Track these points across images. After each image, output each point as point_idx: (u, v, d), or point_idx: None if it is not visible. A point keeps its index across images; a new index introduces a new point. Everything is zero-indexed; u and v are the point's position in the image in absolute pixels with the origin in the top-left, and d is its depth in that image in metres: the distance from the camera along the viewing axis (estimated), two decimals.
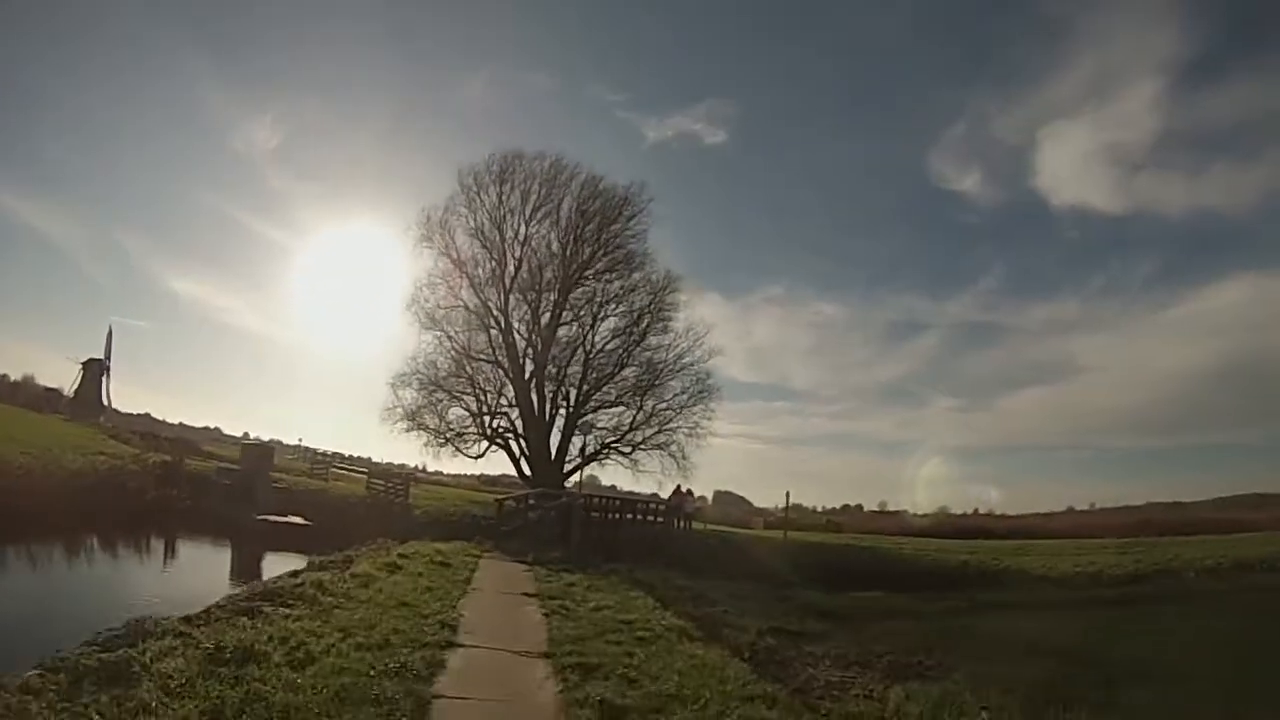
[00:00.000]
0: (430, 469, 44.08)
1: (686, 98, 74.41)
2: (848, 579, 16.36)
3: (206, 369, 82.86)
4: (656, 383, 30.45)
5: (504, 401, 29.83)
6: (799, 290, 72.72)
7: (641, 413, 30.54)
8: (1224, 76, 57.50)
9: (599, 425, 30.87)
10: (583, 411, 30.29)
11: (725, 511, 37.90)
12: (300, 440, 44.08)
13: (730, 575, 15.65)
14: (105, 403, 42.41)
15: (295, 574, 9.15)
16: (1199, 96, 57.60)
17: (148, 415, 50.33)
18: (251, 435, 50.65)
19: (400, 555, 11.56)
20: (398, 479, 23.64)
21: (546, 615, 8.40)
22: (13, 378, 49.78)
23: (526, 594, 9.94)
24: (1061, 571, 18.87)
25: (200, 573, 14.08)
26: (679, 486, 28.28)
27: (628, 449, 30.74)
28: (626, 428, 30.38)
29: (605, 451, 30.74)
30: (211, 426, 55.06)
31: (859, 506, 44.95)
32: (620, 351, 30.52)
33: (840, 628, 9.83)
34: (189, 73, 58.79)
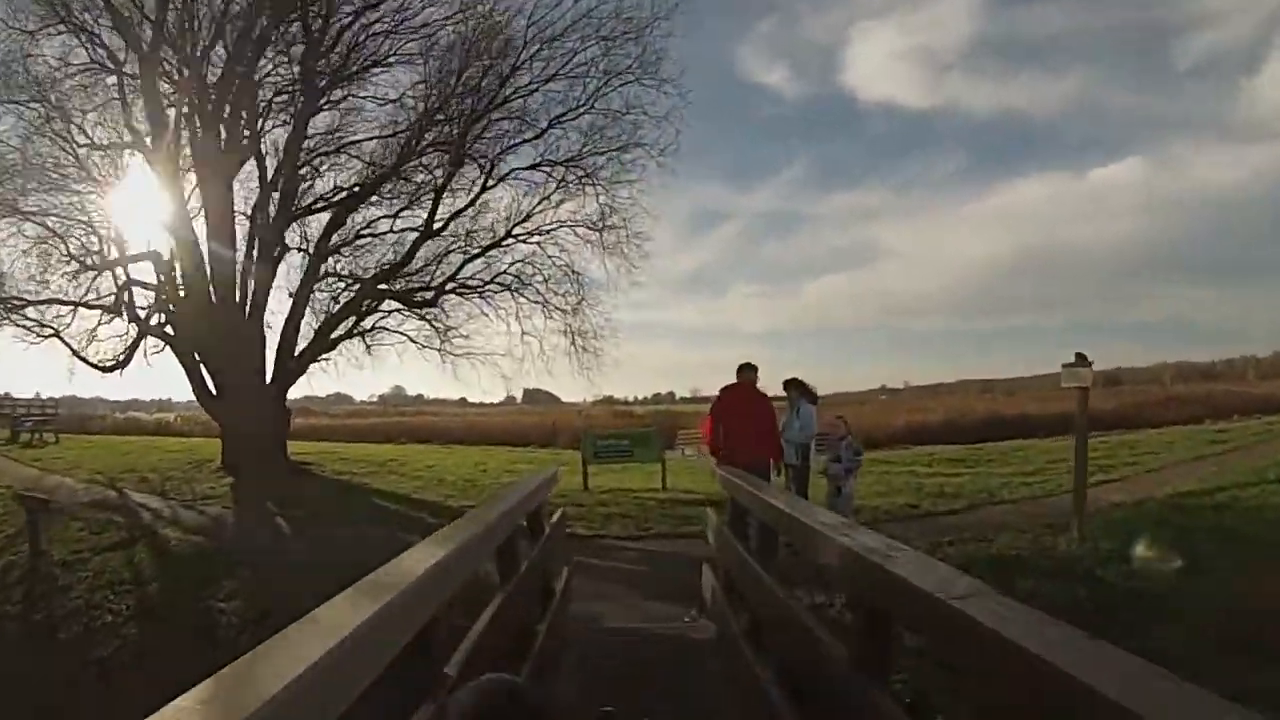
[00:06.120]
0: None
1: None
2: None
3: None
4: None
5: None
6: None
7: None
8: None
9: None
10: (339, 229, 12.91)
11: None
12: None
13: None
14: None
15: None
16: (1013, 9, 58.96)
17: None
18: None
19: None
20: None
21: None
22: None
23: None
24: None
25: None
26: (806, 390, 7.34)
27: (438, 290, 13.06)
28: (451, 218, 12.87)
29: (386, 306, 13.24)
30: None
31: (670, 394, 42.23)
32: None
33: None
34: None
